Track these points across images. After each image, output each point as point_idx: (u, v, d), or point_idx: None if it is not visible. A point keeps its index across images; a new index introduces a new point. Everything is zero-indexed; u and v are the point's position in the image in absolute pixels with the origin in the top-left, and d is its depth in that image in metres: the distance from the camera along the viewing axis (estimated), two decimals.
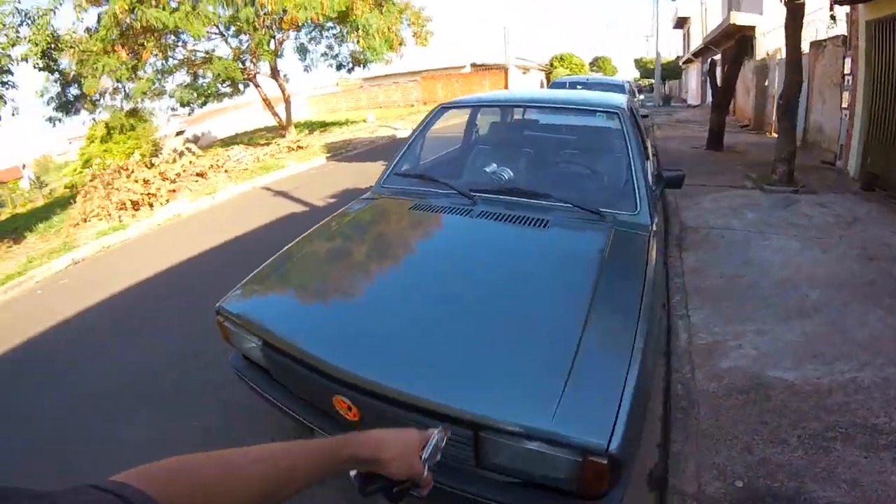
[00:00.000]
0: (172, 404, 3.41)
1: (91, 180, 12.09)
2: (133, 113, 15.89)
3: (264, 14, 12.47)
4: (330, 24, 15.29)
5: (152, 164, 13.08)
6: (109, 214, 10.80)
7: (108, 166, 14.35)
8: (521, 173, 3.38)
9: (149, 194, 11.22)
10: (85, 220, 11.08)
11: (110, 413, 3.43)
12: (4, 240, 12.35)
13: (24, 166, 34.71)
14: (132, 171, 11.77)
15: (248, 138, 21.43)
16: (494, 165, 3.26)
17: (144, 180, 11.33)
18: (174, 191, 12.00)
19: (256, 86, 16.95)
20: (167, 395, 3.53)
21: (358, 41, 15.05)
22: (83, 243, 9.83)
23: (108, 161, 16.77)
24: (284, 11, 12.22)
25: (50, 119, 14.65)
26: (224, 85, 16.11)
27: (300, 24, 12.88)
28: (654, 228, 2.62)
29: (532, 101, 3.90)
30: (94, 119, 15.61)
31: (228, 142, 22.46)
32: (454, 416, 1.63)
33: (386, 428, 0.97)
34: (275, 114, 17.85)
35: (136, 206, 10.99)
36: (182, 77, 16.22)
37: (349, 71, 17.31)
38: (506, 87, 28.93)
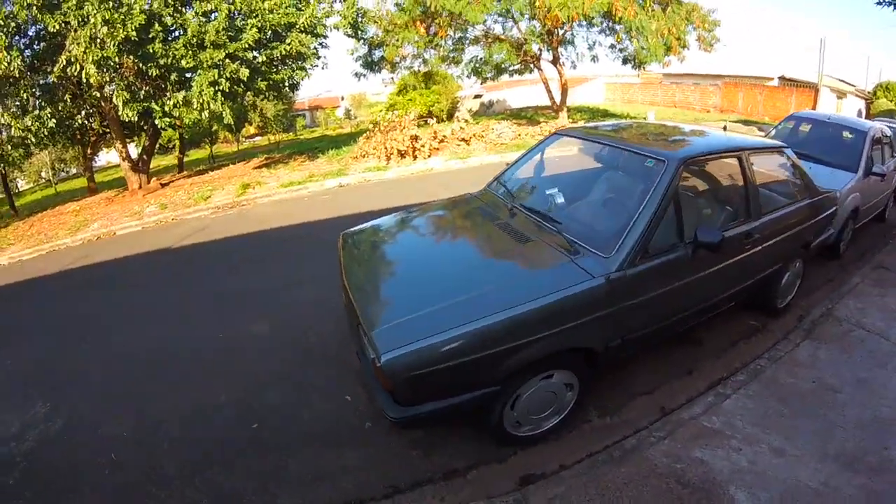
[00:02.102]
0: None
1: (373, 127, 14.56)
2: (427, 76, 18.40)
3: (536, 7, 13.33)
4: (607, 21, 15.48)
5: (441, 121, 15.20)
6: (379, 156, 13.15)
7: (409, 113, 17.18)
8: (567, 199, 3.78)
9: (414, 148, 13.27)
10: (363, 156, 13.82)
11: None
12: (304, 155, 15.95)
13: (342, 98, 41.64)
14: (404, 128, 13.85)
15: (531, 113, 22.79)
16: (556, 190, 3.74)
17: (413, 136, 13.33)
18: (437, 149, 13.95)
19: (539, 69, 18.05)
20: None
21: (631, 41, 14.99)
22: (351, 173, 12.56)
23: (409, 109, 19.90)
24: (549, 9, 12.93)
25: (356, 74, 18.20)
26: (514, 64, 17.61)
27: (561, 21, 13.42)
28: (622, 275, 2.90)
29: (611, 142, 4.03)
30: (392, 78, 18.52)
31: (516, 113, 24.27)
32: (357, 311, 2.94)
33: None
34: (551, 97, 18.72)
35: (402, 154, 13.21)
36: (476, 51, 18.23)
37: (633, 67, 17.26)
38: (813, 108, 25.51)
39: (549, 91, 18.63)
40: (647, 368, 3.86)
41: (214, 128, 24.07)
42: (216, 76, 10.26)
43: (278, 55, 11.77)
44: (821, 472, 2.82)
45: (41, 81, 10.75)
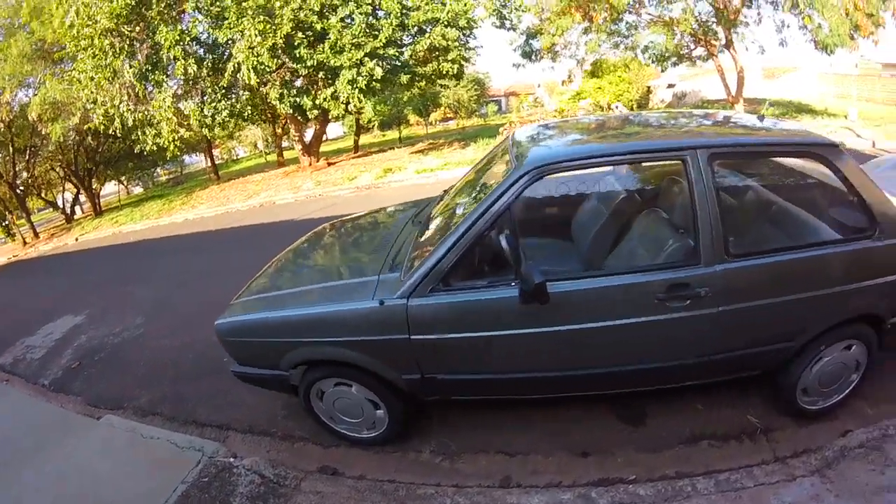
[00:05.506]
0: None
1: (511, 121, 15.11)
2: (596, 65, 18.29)
3: None
4: None
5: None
6: None
7: (597, 102, 17.22)
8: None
9: None
10: None
11: None
12: (461, 143, 16.94)
13: (538, 85, 41.53)
14: (537, 121, 14.14)
15: (717, 107, 21.31)
16: (465, 199, 3.52)
17: None
18: None
19: (713, 55, 16.82)
20: None
21: (802, 19, 12.99)
22: None
23: (598, 98, 19.94)
24: None
25: (514, 65, 18.52)
26: (674, 51, 16.84)
27: None
28: (400, 304, 2.59)
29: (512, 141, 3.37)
30: (552, 67, 18.70)
31: (703, 105, 22.72)
32: None
33: None
34: (726, 86, 17.17)
35: None
36: (652, 37, 17.53)
37: (828, 53, 15.23)
38: None
39: (724, 81, 16.85)
40: (540, 432, 3.11)
41: (404, 112, 26.46)
42: (354, 75, 11.74)
43: (421, 50, 12.92)
44: None
45: (219, 84, 13.18)
